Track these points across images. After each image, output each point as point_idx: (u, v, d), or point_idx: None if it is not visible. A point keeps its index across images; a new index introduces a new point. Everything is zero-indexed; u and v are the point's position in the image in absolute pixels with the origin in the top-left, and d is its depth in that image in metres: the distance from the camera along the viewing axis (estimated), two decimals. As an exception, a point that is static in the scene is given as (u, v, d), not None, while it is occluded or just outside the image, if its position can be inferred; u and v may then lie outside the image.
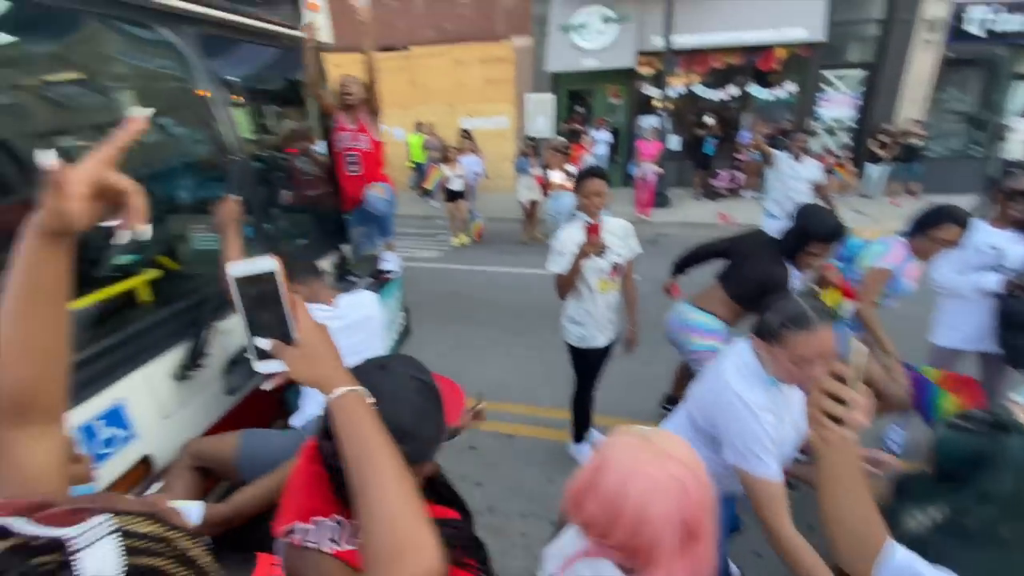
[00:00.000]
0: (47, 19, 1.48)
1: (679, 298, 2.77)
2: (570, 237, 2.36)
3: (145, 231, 0.61)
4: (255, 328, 0.71)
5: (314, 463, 0.79)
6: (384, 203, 3.00)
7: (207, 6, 1.88)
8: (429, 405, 0.80)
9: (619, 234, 2.46)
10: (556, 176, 6.92)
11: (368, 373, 0.77)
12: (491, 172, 9.46)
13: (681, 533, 0.76)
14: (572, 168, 6.83)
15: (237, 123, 2.01)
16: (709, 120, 9.74)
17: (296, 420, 1.85)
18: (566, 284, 2.41)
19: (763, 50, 9.63)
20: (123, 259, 1.90)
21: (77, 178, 0.56)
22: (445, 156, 7.86)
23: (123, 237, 0.61)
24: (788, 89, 9.95)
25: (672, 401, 3.21)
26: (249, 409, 1.97)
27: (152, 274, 1.97)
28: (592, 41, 9.86)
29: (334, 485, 0.75)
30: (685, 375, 3.07)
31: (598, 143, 9.40)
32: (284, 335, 0.71)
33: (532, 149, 7.76)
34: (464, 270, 6.90)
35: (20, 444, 0.60)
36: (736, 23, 9.23)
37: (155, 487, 1.62)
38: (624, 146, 10.89)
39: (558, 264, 2.39)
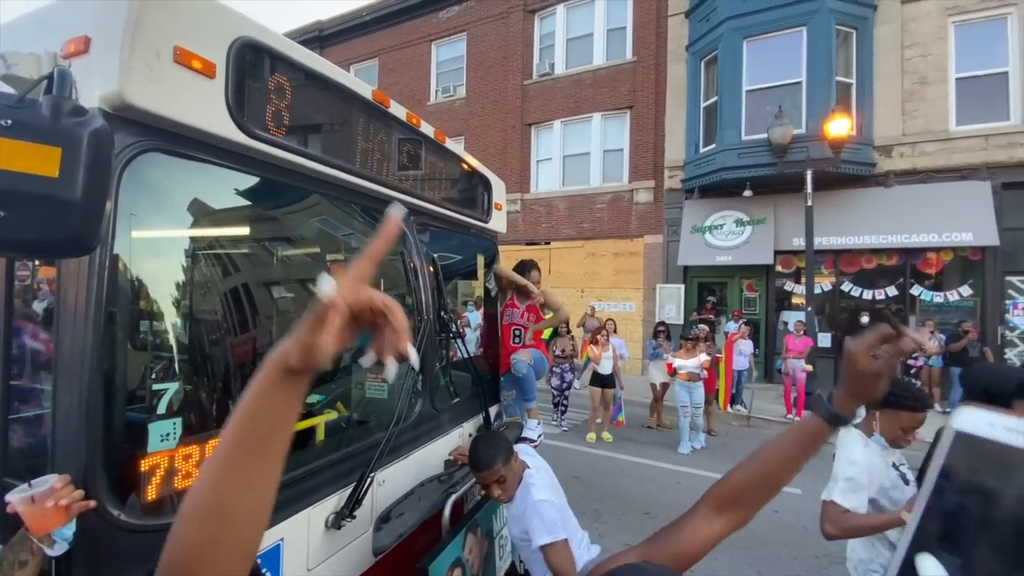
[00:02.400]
0: (290, 194, 1.96)
1: None
2: (871, 463, 1.85)
3: (414, 357, 0.50)
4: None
5: None
6: (526, 367, 3.07)
7: (427, 202, 2.37)
8: None
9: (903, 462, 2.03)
10: (689, 365, 6.61)
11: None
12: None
13: None
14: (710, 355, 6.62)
15: (431, 291, 2.32)
16: (864, 319, 8.96)
17: None
18: (865, 529, 1.80)
19: (922, 252, 9.10)
20: (312, 398, 2.11)
21: (340, 307, 0.47)
22: (594, 338, 7.29)
23: (390, 370, 0.50)
24: (961, 292, 8.97)
25: None
26: (385, 573, 1.84)
27: (330, 415, 2.13)
28: (725, 240, 10.25)
29: None
30: None
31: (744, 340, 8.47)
32: None
33: (664, 334, 7.66)
34: (586, 452, 6.45)
35: None
36: (887, 227, 9.02)
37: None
38: (763, 340, 10.30)
39: (851, 499, 1.79)
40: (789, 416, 7.85)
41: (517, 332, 3.19)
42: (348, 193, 1.94)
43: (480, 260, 3.25)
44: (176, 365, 1.30)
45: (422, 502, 2.02)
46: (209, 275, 1.60)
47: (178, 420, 1.22)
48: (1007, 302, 8.68)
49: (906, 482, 1.91)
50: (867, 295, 9.54)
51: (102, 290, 1.11)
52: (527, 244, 12.97)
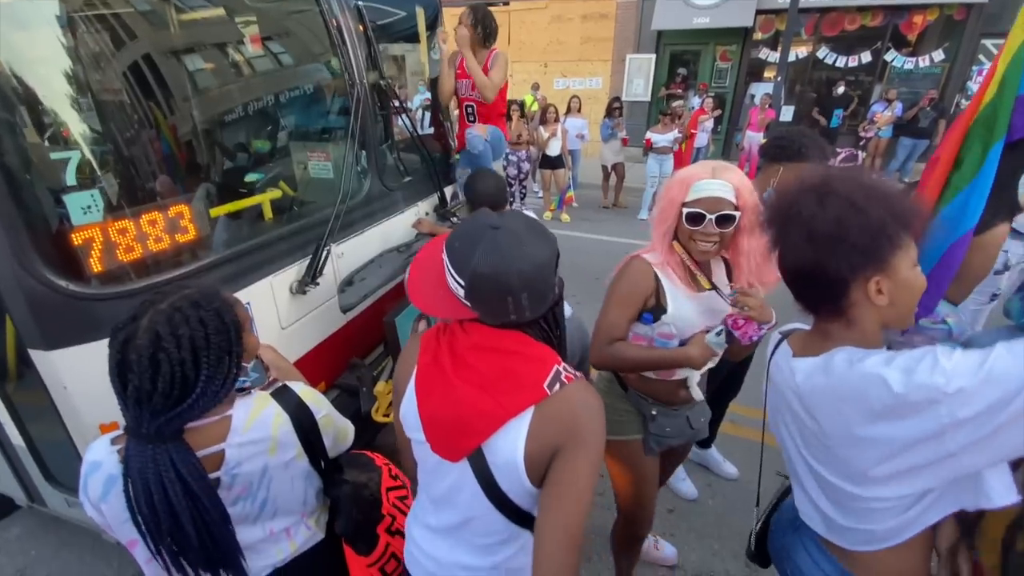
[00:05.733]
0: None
1: None
2: None
3: None
4: None
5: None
6: (482, 143, 2.89)
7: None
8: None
9: None
10: (664, 139, 6.62)
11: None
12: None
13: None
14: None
15: (362, 55, 2.03)
16: (840, 90, 8.68)
17: None
18: None
19: (908, 10, 8.39)
20: (251, 177, 2.01)
21: None
22: (543, 117, 6.82)
23: None
24: (934, 58, 8.64)
25: None
26: (358, 330, 2.07)
27: (274, 194, 2.07)
28: (706, -3, 9.07)
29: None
30: None
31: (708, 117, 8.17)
32: None
33: (619, 111, 7.26)
34: (546, 232, 6.82)
35: None
36: (881, -23, 8.07)
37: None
38: (728, 114, 10.08)
39: None
40: (738, 190, 8.26)
41: (469, 108, 2.91)
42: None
43: (420, 15, 2.78)
44: (70, 131, 1.16)
45: (383, 268, 2.15)
46: (94, 35, 1.31)
47: (95, 192, 1.15)
48: (974, 68, 8.49)
49: None
50: (841, 62, 9.10)
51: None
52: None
